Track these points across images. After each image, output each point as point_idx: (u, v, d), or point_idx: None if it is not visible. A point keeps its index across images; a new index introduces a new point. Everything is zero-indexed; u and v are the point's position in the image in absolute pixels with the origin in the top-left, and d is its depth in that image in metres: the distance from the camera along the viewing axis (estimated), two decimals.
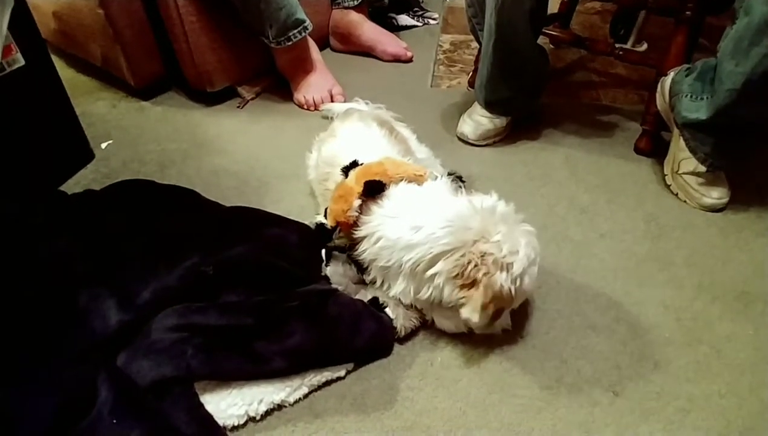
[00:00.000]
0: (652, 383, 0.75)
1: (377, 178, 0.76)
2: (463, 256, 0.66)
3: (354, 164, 0.82)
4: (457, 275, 0.67)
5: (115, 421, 0.59)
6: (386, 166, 0.79)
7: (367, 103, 1.19)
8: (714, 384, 0.75)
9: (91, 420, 0.59)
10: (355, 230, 0.77)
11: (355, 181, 0.77)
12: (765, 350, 0.79)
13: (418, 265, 0.70)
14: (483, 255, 0.65)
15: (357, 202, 0.75)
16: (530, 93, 1.21)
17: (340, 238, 0.80)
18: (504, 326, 0.79)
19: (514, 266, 0.66)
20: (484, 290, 0.65)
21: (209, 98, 1.34)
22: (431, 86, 1.45)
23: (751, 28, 0.82)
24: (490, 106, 1.18)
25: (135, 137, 1.23)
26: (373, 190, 0.76)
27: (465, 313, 0.67)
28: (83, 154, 1.12)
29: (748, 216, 1.02)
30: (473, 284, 0.66)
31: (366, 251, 0.76)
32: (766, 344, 0.80)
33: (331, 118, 1.24)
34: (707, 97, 0.95)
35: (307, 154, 1.03)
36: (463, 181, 0.88)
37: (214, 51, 1.25)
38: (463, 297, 0.67)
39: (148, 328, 0.70)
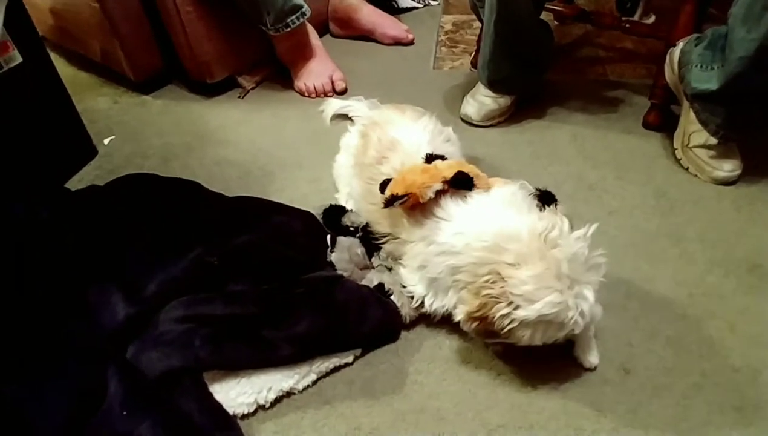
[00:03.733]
0: (664, 360, 0.74)
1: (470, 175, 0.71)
2: (484, 268, 0.63)
3: (438, 157, 0.77)
4: (471, 282, 0.64)
5: (125, 413, 0.59)
6: (479, 172, 0.75)
7: (361, 100, 1.15)
8: (728, 359, 0.73)
9: (103, 413, 0.60)
10: (421, 218, 0.71)
11: (447, 167, 0.72)
12: None
13: (455, 273, 0.67)
14: (501, 278, 0.61)
15: (438, 186, 0.69)
16: (534, 70, 1.18)
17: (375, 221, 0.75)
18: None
19: (520, 311, 0.60)
20: (479, 303, 0.62)
21: (210, 90, 1.33)
22: (434, 68, 1.43)
23: None
24: (494, 85, 1.15)
25: (137, 132, 1.23)
26: (461, 183, 0.70)
27: (456, 311, 0.66)
28: (86, 150, 1.12)
29: (761, 188, 1.00)
30: (476, 294, 0.63)
31: (418, 254, 0.71)
32: None
33: (327, 115, 1.19)
34: (718, 67, 0.92)
35: (345, 135, 0.98)
36: (554, 200, 0.73)
37: (212, 41, 1.24)
38: (463, 295, 0.65)
39: (156, 320, 0.70)
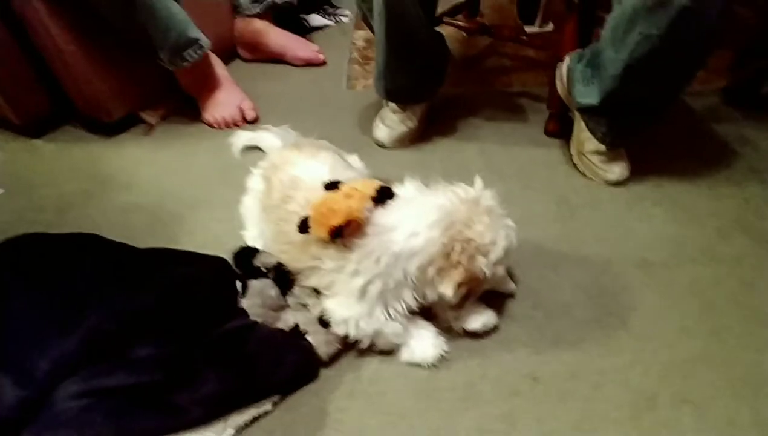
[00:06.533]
0: (567, 364, 0.79)
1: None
2: (451, 246, 0.71)
3: (336, 183, 0.80)
4: (444, 261, 0.72)
5: None
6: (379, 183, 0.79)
7: (270, 129, 1.13)
8: (621, 356, 0.80)
9: None
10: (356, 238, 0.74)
11: (363, 186, 0.77)
12: (665, 316, 0.85)
13: (425, 269, 0.72)
14: (468, 241, 0.72)
15: (370, 204, 0.74)
16: (430, 80, 1.19)
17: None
18: (490, 325, 0.82)
19: (491, 254, 0.73)
20: (463, 270, 0.71)
21: (110, 128, 1.26)
22: (347, 88, 1.43)
23: (624, 17, 0.86)
24: (391, 95, 1.16)
25: (28, 182, 1.14)
26: (387, 195, 0.76)
27: (441, 288, 0.72)
28: None
29: (647, 187, 1.09)
30: (456, 265, 0.71)
31: (359, 275, 0.74)
32: (666, 309, 0.86)
33: (236, 148, 1.16)
34: (597, 83, 1.00)
35: (250, 178, 0.96)
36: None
37: (103, 79, 1.17)
38: (441, 274, 0.72)
39: (52, 399, 0.65)
